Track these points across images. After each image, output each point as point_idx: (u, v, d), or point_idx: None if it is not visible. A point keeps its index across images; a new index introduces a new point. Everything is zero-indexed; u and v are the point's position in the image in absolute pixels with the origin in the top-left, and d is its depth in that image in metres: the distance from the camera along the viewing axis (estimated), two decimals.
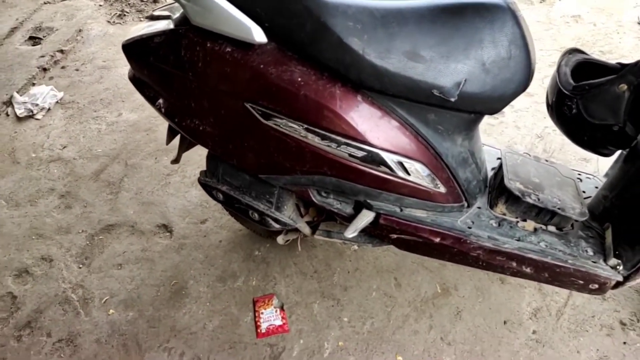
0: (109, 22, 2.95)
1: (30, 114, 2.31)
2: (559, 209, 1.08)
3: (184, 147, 1.40)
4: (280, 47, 0.95)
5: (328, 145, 0.98)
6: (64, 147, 2.13)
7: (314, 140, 0.98)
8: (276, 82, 0.94)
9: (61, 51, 2.76)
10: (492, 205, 1.18)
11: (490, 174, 1.26)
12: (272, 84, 0.95)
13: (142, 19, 2.93)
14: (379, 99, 0.97)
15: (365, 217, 1.08)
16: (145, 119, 2.24)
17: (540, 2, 2.93)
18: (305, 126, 0.97)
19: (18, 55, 2.74)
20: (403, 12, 0.90)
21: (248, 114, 1.00)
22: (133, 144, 2.11)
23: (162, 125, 2.17)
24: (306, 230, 1.29)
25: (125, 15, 2.98)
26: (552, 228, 1.15)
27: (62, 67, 2.65)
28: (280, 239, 1.43)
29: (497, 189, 1.18)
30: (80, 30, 2.91)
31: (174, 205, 1.83)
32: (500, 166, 1.21)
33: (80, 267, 1.63)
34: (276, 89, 0.95)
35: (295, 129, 0.98)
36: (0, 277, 1.61)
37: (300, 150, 1.00)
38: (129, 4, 3.07)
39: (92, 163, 2.04)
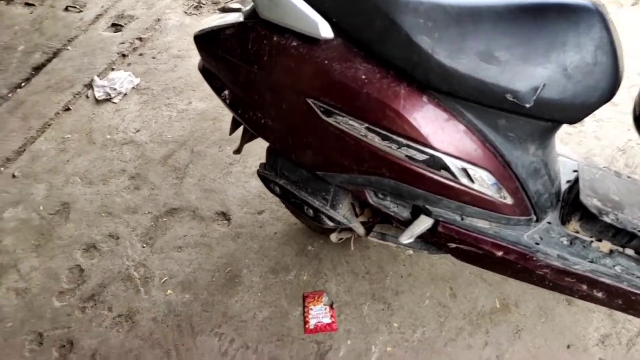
0: (185, 12, 3.07)
1: (108, 97, 2.45)
2: (639, 231, 0.99)
3: (246, 138, 1.43)
4: (346, 44, 0.94)
5: (388, 146, 0.96)
6: (137, 131, 2.25)
7: (374, 140, 0.96)
8: (339, 78, 0.93)
9: (140, 39, 2.90)
10: (564, 221, 1.10)
11: (564, 187, 1.17)
12: (335, 81, 0.94)
13: (216, 11, 3.03)
14: (446, 101, 0.93)
15: (423, 224, 1.04)
16: (212, 108, 2.31)
17: (633, 5, 2.67)
18: (366, 125, 0.95)
19: (100, 41, 2.92)
20: (479, 10, 0.85)
21: (309, 109, 1.00)
22: (200, 131, 2.20)
23: (228, 115, 2.23)
24: (360, 230, 1.28)
25: (201, 6, 3.09)
26: (630, 251, 1.05)
27: (140, 55, 2.79)
28: (333, 237, 1.42)
29: (571, 204, 1.10)
30: (158, 20, 3.06)
31: (234, 194, 1.89)
32: (577, 180, 1.13)
33: (144, 247, 1.73)
34: (339, 85, 0.94)
35: (356, 128, 0.96)
36: (70, 250, 1.75)
37: (359, 149, 0.99)
38: None
39: (161, 148, 2.14)
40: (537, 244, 1.03)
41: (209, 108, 2.33)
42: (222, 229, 1.77)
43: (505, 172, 0.98)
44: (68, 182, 2.02)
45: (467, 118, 0.94)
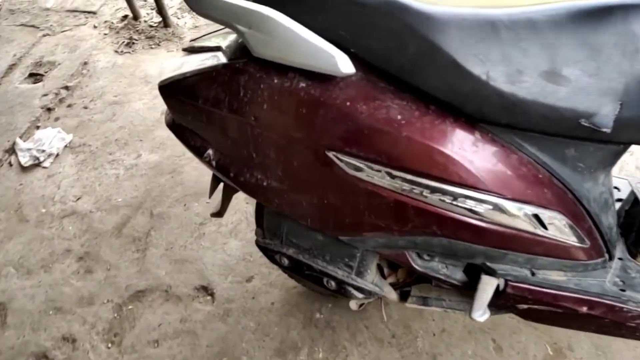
0: (116, 52, 2.83)
1: (37, 162, 2.18)
2: None
3: (229, 198, 1.24)
4: (369, 78, 0.80)
5: (440, 199, 0.80)
6: (78, 198, 1.99)
7: (421, 193, 0.80)
8: (368, 122, 0.78)
9: (66, 87, 2.65)
10: (632, 253, 0.99)
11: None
12: (363, 125, 0.78)
13: (153, 46, 2.81)
14: (503, 135, 0.79)
15: (489, 287, 0.89)
16: (167, 159, 2.09)
17: None
18: (409, 177, 0.79)
19: (19, 95, 2.63)
20: (534, 21, 0.73)
21: (330, 164, 0.83)
22: (157, 189, 1.96)
23: (189, 165, 2.01)
24: (393, 296, 1.10)
25: (134, 43, 2.86)
26: None
27: (69, 106, 2.53)
28: (353, 305, 1.25)
29: (637, 232, 0.99)
30: (85, 63, 2.80)
31: (212, 261, 1.66)
32: (635, 202, 1.03)
33: (109, 347, 1.46)
34: (369, 131, 0.78)
35: (395, 181, 0.80)
36: None
37: (400, 206, 0.83)
38: (137, 30, 2.96)
39: (112, 215, 1.89)
40: (623, 290, 0.90)
41: (164, 159, 2.10)
42: (206, 308, 1.53)
43: (578, 210, 0.85)
44: (0, 276, 1.70)
45: (529, 152, 0.81)
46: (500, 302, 0.92)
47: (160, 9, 2.90)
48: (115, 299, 1.60)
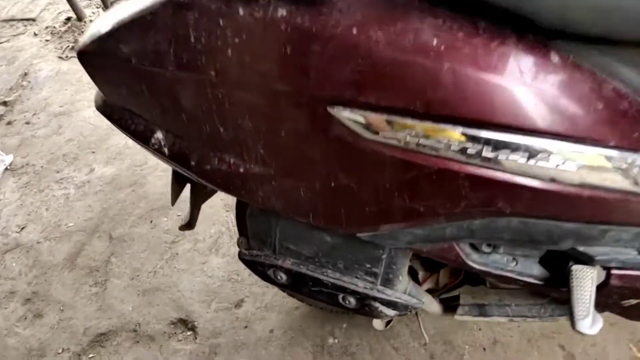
0: (60, 57, 2.60)
1: None
2: None
3: (199, 203, 0.99)
4: None
5: (509, 160, 0.55)
6: (22, 228, 1.76)
7: (479, 154, 0.55)
8: (389, 54, 0.53)
9: (4, 103, 2.42)
10: None
11: None
12: (382, 60, 0.53)
13: None
14: (589, 56, 0.55)
15: (588, 280, 0.64)
16: (126, 170, 1.87)
17: None
18: (461, 130, 0.54)
19: None
20: None
21: (335, 126, 0.57)
22: (116, 207, 1.74)
23: (152, 174, 1.77)
24: (435, 308, 0.85)
25: None
26: None
27: (8, 123, 2.30)
28: (378, 323, 0.99)
29: None
30: (25, 74, 2.56)
31: (190, 286, 1.43)
32: None
33: None
34: (391, 67, 0.54)
35: (438, 140, 0.55)
36: None
37: (447, 177, 0.58)
38: (82, 32, 2.69)
39: (62, 244, 1.66)
40: None
41: (122, 171, 1.88)
42: (186, 347, 1.29)
43: None
44: None
45: (626, 78, 0.56)
46: (599, 299, 0.67)
47: (106, 5, 2.64)
48: (72, 347, 1.38)
